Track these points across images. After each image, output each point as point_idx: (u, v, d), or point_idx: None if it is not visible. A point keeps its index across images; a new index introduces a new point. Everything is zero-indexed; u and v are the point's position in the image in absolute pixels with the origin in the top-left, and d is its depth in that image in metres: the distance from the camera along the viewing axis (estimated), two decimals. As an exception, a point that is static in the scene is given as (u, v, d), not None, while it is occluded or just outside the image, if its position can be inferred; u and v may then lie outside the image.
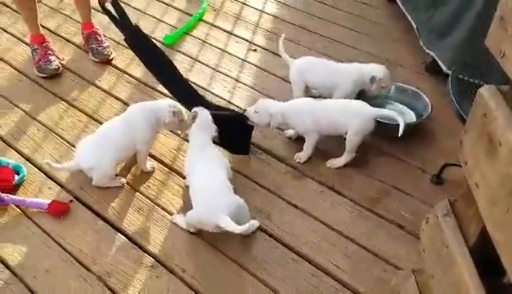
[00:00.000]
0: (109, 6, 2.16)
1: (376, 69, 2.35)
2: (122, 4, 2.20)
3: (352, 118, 2.14)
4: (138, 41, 2.22)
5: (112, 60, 2.81)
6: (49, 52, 2.67)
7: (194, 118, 2.05)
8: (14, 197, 1.97)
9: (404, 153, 2.31)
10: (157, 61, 2.24)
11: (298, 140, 2.29)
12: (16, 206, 1.97)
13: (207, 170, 1.91)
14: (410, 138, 2.35)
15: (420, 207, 2.04)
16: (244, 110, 2.23)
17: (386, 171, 2.21)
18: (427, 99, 2.43)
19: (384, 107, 2.47)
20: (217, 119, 2.06)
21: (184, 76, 2.35)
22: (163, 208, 2.00)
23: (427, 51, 2.79)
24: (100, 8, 2.24)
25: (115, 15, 2.16)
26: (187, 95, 2.24)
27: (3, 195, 1.94)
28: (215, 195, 1.81)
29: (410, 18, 3.06)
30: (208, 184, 1.85)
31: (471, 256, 1.07)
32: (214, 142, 2.03)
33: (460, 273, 1.06)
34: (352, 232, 1.94)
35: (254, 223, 1.76)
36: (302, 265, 1.82)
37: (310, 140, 2.20)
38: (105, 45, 2.81)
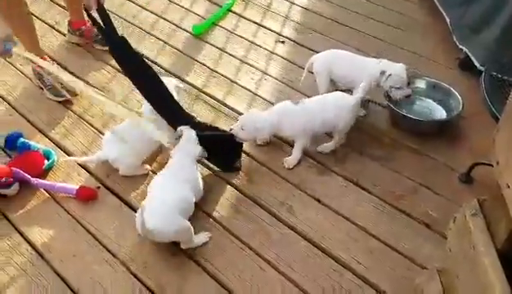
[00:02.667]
0: (94, 13, 2.01)
1: (392, 67, 2.26)
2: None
3: (340, 110, 2.13)
4: (123, 52, 2.06)
5: None
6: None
7: (178, 137, 1.96)
8: (43, 181, 2.02)
9: (433, 150, 2.26)
10: (142, 76, 2.08)
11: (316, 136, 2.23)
12: (45, 190, 2.02)
13: (166, 184, 1.84)
14: (440, 135, 2.30)
15: (447, 206, 1.99)
16: (231, 129, 2.11)
17: (413, 168, 2.17)
18: (459, 96, 2.37)
19: (413, 103, 2.44)
20: (204, 139, 1.98)
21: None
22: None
23: (460, 46, 2.72)
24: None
25: (101, 23, 2.02)
26: (173, 113, 2.10)
27: (33, 179, 1.99)
28: (156, 208, 1.72)
29: (444, 13, 2.98)
30: (159, 195, 1.78)
31: (499, 257, 1.04)
32: (201, 162, 1.97)
33: (486, 274, 1.03)
34: (376, 229, 1.92)
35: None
36: (323, 260, 1.81)
37: (299, 142, 2.16)
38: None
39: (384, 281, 1.74)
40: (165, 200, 1.75)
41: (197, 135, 1.98)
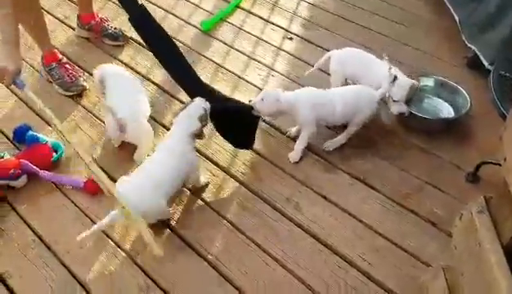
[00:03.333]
0: None
1: (400, 77, 2.23)
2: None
3: (366, 103, 2.14)
4: (144, 22, 2.09)
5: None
6: (69, 67, 2.52)
7: (184, 107, 1.96)
8: (51, 174, 2.04)
9: (440, 148, 2.25)
10: (162, 45, 2.12)
11: (322, 134, 2.24)
12: (53, 183, 2.04)
13: (157, 159, 1.85)
14: (447, 134, 2.30)
15: (454, 205, 1.99)
16: (250, 101, 2.13)
17: (420, 166, 2.17)
18: (466, 94, 2.36)
19: (421, 101, 2.43)
20: (220, 111, 1.99)
21: (217, 62, 2.27)
22: (192, 192, 2.03)
23: (469, 45, 2.71)
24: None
25: None
26: (193, 83, 2.14)
27: (41, 172, 2.01)
28: (137, 183, 1.75)
29: (452, 11, 2.97)
30: (146, 170, 1.81)
31: (504, 255, 1.04)
32: (199, 136, 1.93)
33: (491, 271, 1.03)
34: (382, 227, 1.92)
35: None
36: (328, 257, 1.82)
37: (305, 134, 2.15)
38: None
39: (389, 278, 1.74)
40: (149, 176, 1.77)
41: (213, 107, 1.97)
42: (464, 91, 2.38)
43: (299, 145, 2.16)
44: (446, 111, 2.40)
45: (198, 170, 1.99)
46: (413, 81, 2.25)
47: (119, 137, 2.13)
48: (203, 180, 2.04)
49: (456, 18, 2.90)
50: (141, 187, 1.75)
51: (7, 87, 1.88)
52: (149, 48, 2.23)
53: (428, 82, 2.49)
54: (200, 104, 1.95)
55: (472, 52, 2.68)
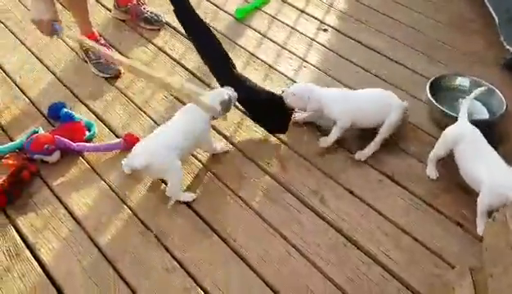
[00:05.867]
0: None
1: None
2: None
3: (394, 107, 2.12)
4: (187, 15, 2.19)
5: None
6: (106, 49, 2.47)
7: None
8: (86, 144, 2.11)
9: (471, 150, 2.21)
10: (203, 37, 2.20)
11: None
12: (87, 161, 2.09)
13: (171, 123, 1.97)
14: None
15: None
16: (282, 91, 2.17)
17: (450, 166, 2.13)
18: (502, 96, 2.31)
19: (456, 100, 2.39)
20: (252, 100, 2.08)
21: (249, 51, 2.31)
22: (218, 178, 2.05)
23: (507, 47, 2.65)
24: None
25: None
26: (225, 72, 2.19)
27: (75, 144, 2.06)
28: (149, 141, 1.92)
29: (492, 11, 2.90)
30: (158, 133, 1.94)
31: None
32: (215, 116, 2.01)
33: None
34: (408, 225, 1.90)
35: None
36: (352, 251, 1.81)
37: (341, 124, 2.12)
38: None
39: (412, 276, 1.73)
40: (161, 136, 1.92)
41: (244, 95, 2.07)
42: (499, 93, 2.33)
43: (333, 135, 2.14)
44: (481, 112, 2.35)
45: (209, 139, 2.07)
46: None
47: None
48: (219, 147, 2.11)
49: (496, 19, 2.83)
50: (155, 144, 1.90)
51: (50, 36, 2.10)
52: (188, 37, 2.31)
53: (464, 82, 2.44)
54: (225, 91, 2.02)
55: (510, 54, 2.62)
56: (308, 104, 2.13)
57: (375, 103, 2.15)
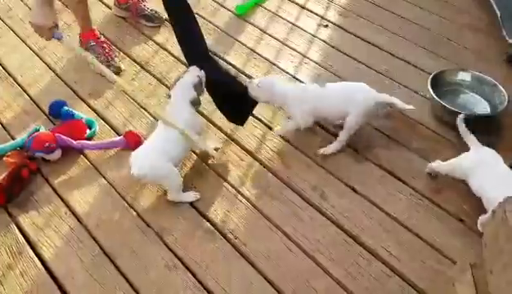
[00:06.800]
0: None
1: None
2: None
3: (356, 101, 2.05)
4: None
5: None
6: (106, 47, 2.57)
7: (180, 77, 2.01)
8: (87, 142, 2.11)
9: (472, 145, 2.20)
10: (180, 13, 2.14)
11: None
12: (87, 158, 2.09)
13: (160, 129, 1.95)
14: (482, 131, 2.23)
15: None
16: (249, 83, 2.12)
17: (452, 162, 2.13)
18: (504, 91, 2.30)
19: (457, 95, 2.38)
20: (214, 84, 2.05)
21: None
22: (219, 175, 2.05)
23: (510, 41, 2.63)
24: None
25: None
26: (194, 48, 2.16)
27: (75, 142, 2.06)
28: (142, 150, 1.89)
29: (495, 6, 2.88)
30: (150, 140, 1.93)
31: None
32: (195, 103, 2.00)
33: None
34: (409, 220, 1.90)
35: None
36: (352, 247, 1.81)
37: (302, 124, 2.11)
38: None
39: (413, 272, 1.73)
40: (154, 145, 1.90)
41: (208, 78, 2.04)
42: (502, 88, 2.32)
43: (288, 126, 2.14)
44: (482, 107, 2.34)
45: (201, 134, 2.06)
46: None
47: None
48: (211, 145, 2.09)
49: (498, 13, 2.82)
50: (149, 153, 1.88)
51: (48, 40, 2.09)
52: (169, 19, 2.26)
53: (466, 76, 2.43)
54: (194, 73, 2.02)
55: (512, 48, 2.61)
56: (272, 98, 2.11)
57: (337, 98, 2.10)
